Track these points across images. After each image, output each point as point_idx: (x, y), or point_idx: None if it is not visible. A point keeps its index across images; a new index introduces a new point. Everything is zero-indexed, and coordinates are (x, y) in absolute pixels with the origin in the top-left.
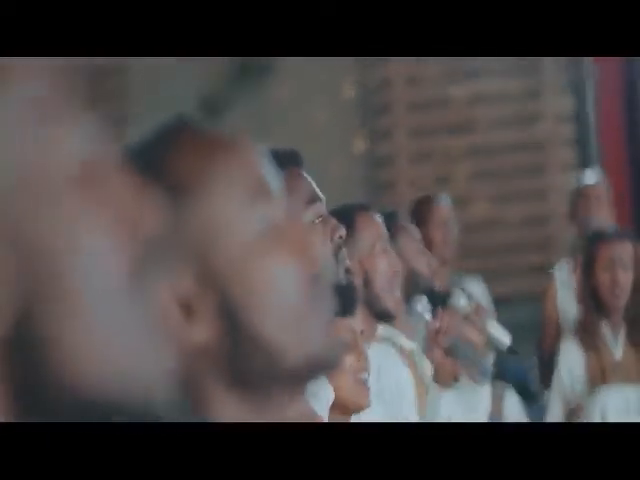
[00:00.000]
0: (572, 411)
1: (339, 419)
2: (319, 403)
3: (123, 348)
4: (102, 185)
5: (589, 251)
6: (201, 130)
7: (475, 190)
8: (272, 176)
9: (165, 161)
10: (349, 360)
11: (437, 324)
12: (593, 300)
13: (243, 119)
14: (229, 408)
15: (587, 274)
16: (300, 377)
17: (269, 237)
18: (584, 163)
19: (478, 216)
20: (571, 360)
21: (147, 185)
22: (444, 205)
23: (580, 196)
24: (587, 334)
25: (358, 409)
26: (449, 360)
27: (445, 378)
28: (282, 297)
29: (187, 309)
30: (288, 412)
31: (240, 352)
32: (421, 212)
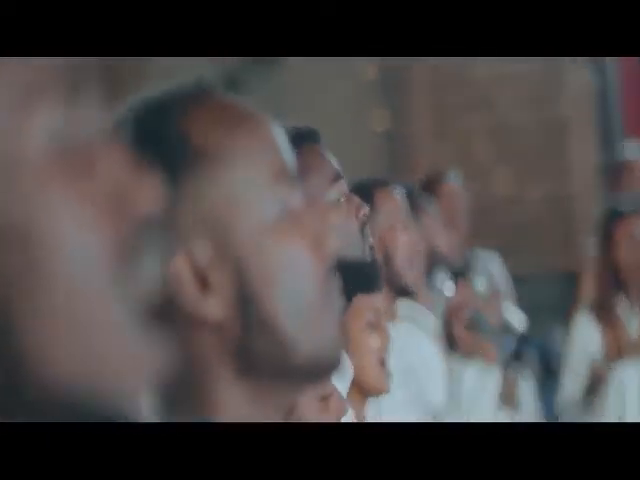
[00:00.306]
0: (590, 388)
1: (356, 401)
2: (340, 380)
3: (107, 344)
4: (91, 166)
5: (608, 227)
6: (222, 99)
7: (496, 169)
8: (291, 159)
9: (182, 125)
10: (372, 340)
11: (456, 299)
12: (611, 276)
13: (262, 97)
14: (233, 395)
15: (605, 250)
16: (304, 373)
17: (287, 223)
18: (606, 141)
19: (498, 195)
20: (586, 336)
21: (143, 161)
22: (453, 182)
23: (624, 169)
24: (604, 310)
25: (377, 392)
26: (470, 334)
27: (467, 351)
28: (296, 287)
29: (203, 280)
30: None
31: (251, 338)
32: (431, 189)
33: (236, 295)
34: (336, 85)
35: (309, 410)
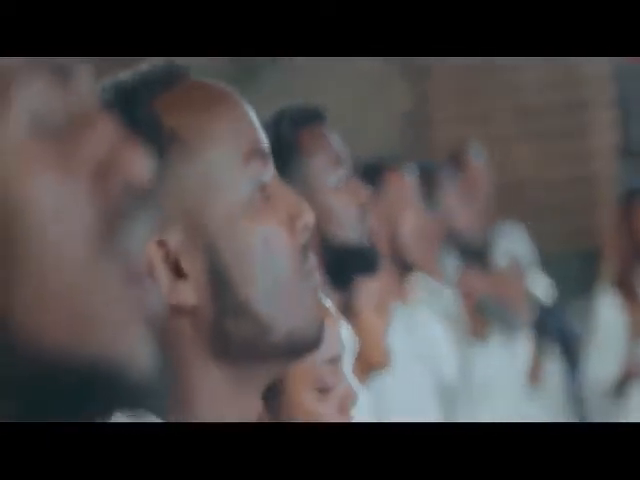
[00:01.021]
0: (620, 381)
1: (360, 376)
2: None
3: (91, 314)
4: (77, 135)
5: (629, 205)
6: (193, 81)
7: (519, 150)
8: (263, 137)
9: (153, 108)
10: (375, 320)
11: (467, 282)
12: (632, 254)
13: (283, 76)
14: (210, 376)
15: (627, 228)
16: (283, 353)
17: (259, 202)
18: (628, 125)
19: (521, 176)
20: (609, 314)
21: (130, 132)
22: (477, 159)
23: None
24: (626, 287)
25: (379, 367)
26: (476, 317)
27: (471, 335)
28: (270, 267)
29: (175, 267)
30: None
31: (227, 321)
32: (454, 165)
33: (209, 279)
34: (358, 65)
35: (306, 400)
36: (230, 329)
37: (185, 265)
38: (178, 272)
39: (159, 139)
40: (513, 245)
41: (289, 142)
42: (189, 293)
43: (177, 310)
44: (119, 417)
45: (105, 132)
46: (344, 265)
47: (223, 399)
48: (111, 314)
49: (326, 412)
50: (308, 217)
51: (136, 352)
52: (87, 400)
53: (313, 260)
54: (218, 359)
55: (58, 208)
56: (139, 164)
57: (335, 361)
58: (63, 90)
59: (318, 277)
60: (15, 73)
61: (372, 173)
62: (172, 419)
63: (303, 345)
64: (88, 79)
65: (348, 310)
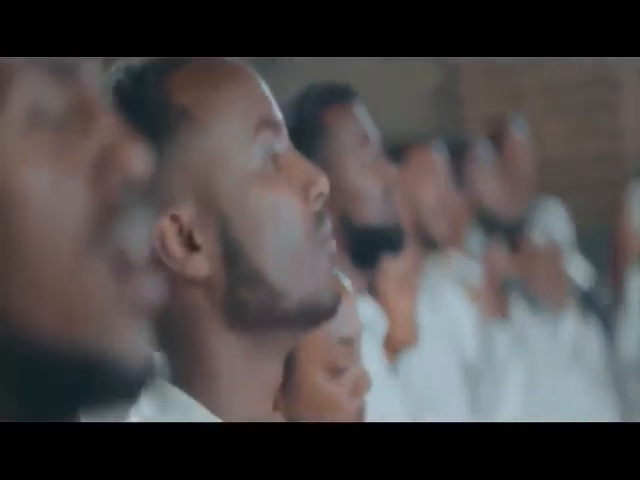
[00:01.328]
0: None
1: (389, 354)
2: (374, 334)
3: (87, 305)
4: (77, 129)
5: None
6: (201, 60)
7: (549, 127)
8: (275, 106)
9: (162, 86)
10: (402, 299)
11: (493, 260)
12: None
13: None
14: (228, 345)
15: None
16: (298, 321)
17: (271, 171)
18: None
19: (552, 154)
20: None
21: (127, 125)
22: (518, 133)
23: None
24: None
25: (407, 346)
26: (500, 296)
27: (494, 313)
28: (283, 235)
29: (189, 240)
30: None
31: (240, 290)
32: (493, 139)
33: (222, 249)
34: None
35: (319, 380)
36: (244, 297)
37: (198, 237)
38: (192, 245)
39: (168, 116)
40: (551, 223)
41: (313, 120)
42: (203, 264)
43: (191, 282)
44: (116, 408)
45: (105, 126)
46: (370, 245)
47: (242, 366)
48: (107, 305)
49: (338, 393)
50: (322, 184)
51: (134, 343)
52: (84, 390)
53: (328, 227)
54: (234, 328)
55: (56, 200)
56: (137, 158)
57: (351, 342)
58: (63, 84)
59: (333, 244)
60: (15, 68)
61: (398, 151)
62: (195, 391)
63: (318, 311)
64: (90, 73)
65: (374, 290)
